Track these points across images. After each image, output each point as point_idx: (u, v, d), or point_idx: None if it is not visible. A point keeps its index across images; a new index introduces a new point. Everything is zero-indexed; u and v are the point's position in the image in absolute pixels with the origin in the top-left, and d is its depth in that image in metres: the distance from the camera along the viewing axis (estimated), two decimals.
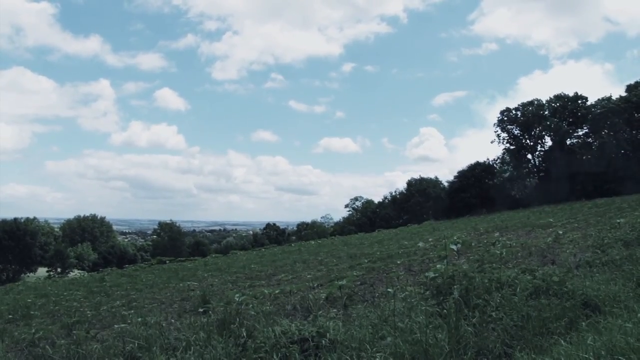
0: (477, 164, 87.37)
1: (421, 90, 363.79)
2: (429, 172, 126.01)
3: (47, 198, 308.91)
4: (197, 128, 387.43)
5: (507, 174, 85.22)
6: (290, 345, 7.57)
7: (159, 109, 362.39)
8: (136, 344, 9.42)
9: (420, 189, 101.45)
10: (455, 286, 8.87)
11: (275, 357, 7.36)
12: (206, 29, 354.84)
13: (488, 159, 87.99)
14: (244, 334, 8.73)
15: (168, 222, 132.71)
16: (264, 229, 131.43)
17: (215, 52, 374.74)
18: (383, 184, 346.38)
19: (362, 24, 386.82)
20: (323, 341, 7.60)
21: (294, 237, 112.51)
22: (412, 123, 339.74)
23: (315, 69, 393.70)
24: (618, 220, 22.28)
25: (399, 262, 19.94)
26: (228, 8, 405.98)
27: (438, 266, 10.01)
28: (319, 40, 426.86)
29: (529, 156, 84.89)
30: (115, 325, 13.14)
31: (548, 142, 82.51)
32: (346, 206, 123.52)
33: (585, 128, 77.61)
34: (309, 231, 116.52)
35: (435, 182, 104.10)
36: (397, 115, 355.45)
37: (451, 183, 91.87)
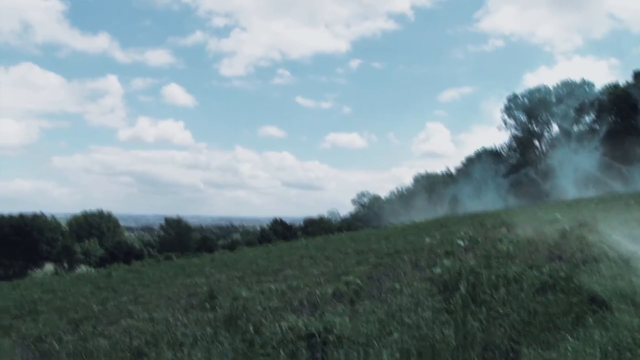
0: (485, 150, 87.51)
1: (427, 86, 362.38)
2: (435, 168, 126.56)
3: (54, 193, 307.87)
4: (204, 124, 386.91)
5: (514, 160, 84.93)
6: (297, 341, 7.59)
7: (166, 105, 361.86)
8: (143, 340, 9.46)
9: (427, 184, 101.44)
10: (462, 282, 8.88)
11: (282, 352, 7.37)
12: (214, 26, 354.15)
13: (495, 145, 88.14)
14: (251, 330, 8.74)
15: (175, 217, 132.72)
16: (271, 224, 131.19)
17: (223, 49, 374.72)
18: (389, 179, 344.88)
19: (369, 21, 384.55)
20: (330, 337, 7.61)
21: (300, 233, 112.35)
22: (418, 118, 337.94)
23: (322, 65, 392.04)
24: (625, 216, 22.21)
25: (405, 257, 19.88)
26: (236, 4, 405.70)
27: (445, 262, 10.03)
28: (326, 37, 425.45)
29: (536, 142, 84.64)
30: (122, 321, 13.18)
31: (555, 128, 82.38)
32: (353, 202, 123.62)
33: (592, 114, 77.13)
34: (315, 227, 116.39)
35: (442, 177, 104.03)
36: (404, 111, 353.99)
37: (459, 170, 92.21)
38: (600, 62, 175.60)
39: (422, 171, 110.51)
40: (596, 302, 7.92)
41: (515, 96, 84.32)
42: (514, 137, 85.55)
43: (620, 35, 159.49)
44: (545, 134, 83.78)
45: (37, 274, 76.95)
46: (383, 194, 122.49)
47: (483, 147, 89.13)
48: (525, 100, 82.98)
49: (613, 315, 7.03)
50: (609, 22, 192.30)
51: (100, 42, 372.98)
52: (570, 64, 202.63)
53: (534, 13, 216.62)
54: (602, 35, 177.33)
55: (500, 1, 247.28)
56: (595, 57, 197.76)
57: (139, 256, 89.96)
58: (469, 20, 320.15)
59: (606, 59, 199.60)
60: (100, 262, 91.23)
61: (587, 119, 77.87)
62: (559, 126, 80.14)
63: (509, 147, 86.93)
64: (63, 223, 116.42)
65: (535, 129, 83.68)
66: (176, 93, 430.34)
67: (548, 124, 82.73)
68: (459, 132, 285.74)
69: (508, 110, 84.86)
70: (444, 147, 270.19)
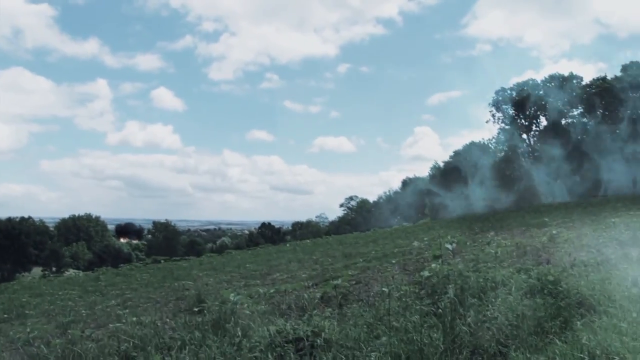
0: (473, 143, 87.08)
1: (416, 90, 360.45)
2: (423, 172, 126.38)
3: (42, 197, 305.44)
4: (192, 128, 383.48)
5: (502, 154, 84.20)
6: (285, 345, 7.57)
7: (155, 109, 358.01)
8: (131, 343, 9.41)
9: (415, 188, 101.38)
10: (450, 285, 8.88)
11: (270, 356, 7.35)
12: (204, 30, 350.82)
13: (483, 138, 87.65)
14: (239, 333, 8.72)
15: (163, 221, 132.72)
16: (259, 228, 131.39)
17: (212, 53, 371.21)
18: (378, 183, 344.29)
19: (357, 26, 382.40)
20: (318, 340, 7.59)
21: (289, 237, 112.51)
22: (406, 123, 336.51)
23: (311, 69, 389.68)
24: (613, 220, 22.31)
25: (394, 261, 19.91)
26: (226, 9, 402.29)
27: (433, 265, 10.03)
28: (314, 41, 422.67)
29: (524, 136, 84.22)
30: (110, 325, 13.12)
31: (543, 122, 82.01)
32: (341, 205, 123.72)
33: (580, 108, 76.61)
34: (304, 230, 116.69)
35: (429, 179, 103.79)
36: (392, 115, 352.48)
37: (446, 162, 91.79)
38: (587, 65, 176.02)
39: (411, 175, 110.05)
40: (584, 306, 7.94)
41: (503, 89, 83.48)
42: (502, 131, 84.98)
43: (607, 40, 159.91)
44: (534, 127, 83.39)
45: (25, 277, 76.54)
46: (371, 198, 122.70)
47: (471, 141, 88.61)
48: (514, 94, 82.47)
49: (601, 319, 7.05)
50: (595, 27, 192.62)
51: (90, 47, 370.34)
52: (557, 68, 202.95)
53: (521, 18, 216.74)
54: (589, 40, 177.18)
55: (487, 7, 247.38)
56: (582, 61, 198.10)
57: (127, 260, 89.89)
58: (457, 26, 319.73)
59: (593, 63, 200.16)
60: (89, 266, 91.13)
61: (576, 112, 77.44)
62: (547, 119, 79.80)
63: (497, 141, 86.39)
64: (51, 227, 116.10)
65: (524, 122, 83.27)
66: (165, 97, 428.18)
67: (536, 117, 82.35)
68: (447, 136, 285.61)
69: (496, 104, 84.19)
70: (432, 151, 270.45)
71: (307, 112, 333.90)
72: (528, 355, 6.23)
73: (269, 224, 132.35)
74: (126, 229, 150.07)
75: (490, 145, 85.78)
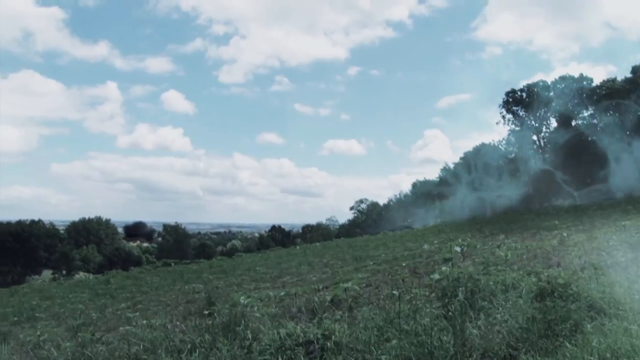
0: (483, 145, 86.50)
1: (425, 93, 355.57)
2: (433, 174, 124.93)
3: (52, 200, 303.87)
4: (203, 131, 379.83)
5: (512, 155, 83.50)
6: (296, 348, 7.57)
7: (165, 111, 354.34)
8: (141, 347, 9.43)
9: (425, 190, 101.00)
10: (460, 288, 8.87)
11: (280, 359, 7.36)
12: (214, 33, 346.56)
13: (493, 140, 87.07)
14: (249, 336, 8.73)
15: (173, 224, 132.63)
16: (269, 231, 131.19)
17: (223, 56, 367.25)
18: (388, 186, 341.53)
19: (367, 29, 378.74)
20: (328, 343, 7.59)
21: (299, 239, 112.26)
22: (416, 125, 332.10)
23: (321, 72, 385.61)
24: (623, 223, 22.23)
25: (404, 264, 19.91)
26: (236, 12, 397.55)
27: (443, 268, 10.01)
28: (325, 45, 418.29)
29: (534, 137, 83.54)
30: (121, 328, 13.18)
31: (553, 123, 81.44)
32: (351, 208, 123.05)
33: (590, 109, 76.08)
34: (314, 233, 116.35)
35: (439, 182, 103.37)
36: (402, 118, 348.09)
37: (456, 165, 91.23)
38: (597, 68, 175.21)
39: (421, 178, 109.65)
40: (594, 309, 7.91)
41: (513, 91, 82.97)
42: (512, 132, 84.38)
43: (617, 43, 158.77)
44: (544, 128, 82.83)
45: (36, 280, 76.87)
46: (381, 200, 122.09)
47: (482, 143, 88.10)
48: (524, 95, 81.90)
49: (611, 322, 7.03)
50: (605, 30, 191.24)
51: (101, 50, 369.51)
52: (567, 70, 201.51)
53: (531, 22, 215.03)
54: (598, 43, 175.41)
55: (497, 10, 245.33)
56: (592, 64, 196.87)
57: (137, 263, 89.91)
58: (467, 29, 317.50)
59: (603, 65, 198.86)
60: (99, 269, 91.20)
61: (586, 113, 76.94)
62: (557, 121, 79.28)
63: (507, 142, 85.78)
64: (62, 230, 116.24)
65: (534, 124, 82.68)
66: (175, 100, 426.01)
67: (546, 119, 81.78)
68: (457, 138, 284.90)
69: (506, 105, 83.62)
70: (442, 154, 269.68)
71: (317, 114, 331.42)
72: (538, 358, 6.22)
73: (279, 226, 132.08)
74: (135, 229, 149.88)
75: (500, 147, 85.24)
